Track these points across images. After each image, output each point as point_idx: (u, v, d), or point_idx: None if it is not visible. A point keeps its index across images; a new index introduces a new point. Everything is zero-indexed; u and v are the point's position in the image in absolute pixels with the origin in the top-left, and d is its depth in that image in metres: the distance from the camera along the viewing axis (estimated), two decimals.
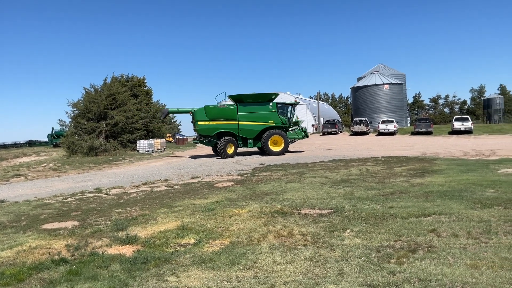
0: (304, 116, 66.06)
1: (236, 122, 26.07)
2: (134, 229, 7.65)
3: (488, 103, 67.82)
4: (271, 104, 26.36)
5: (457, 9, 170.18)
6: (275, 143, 25.90)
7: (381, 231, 6.55)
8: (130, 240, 6.88)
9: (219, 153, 25.77)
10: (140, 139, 35.92)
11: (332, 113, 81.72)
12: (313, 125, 66.18)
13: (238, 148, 26.69)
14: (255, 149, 27.57)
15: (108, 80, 39.58)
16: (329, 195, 9.99)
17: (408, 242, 5.88)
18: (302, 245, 6.06)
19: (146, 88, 44.88)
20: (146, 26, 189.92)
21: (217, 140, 26.08)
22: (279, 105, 26.78)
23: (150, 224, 8.02)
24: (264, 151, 26.26)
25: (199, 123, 26.10)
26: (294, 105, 28.21)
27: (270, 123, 26.09)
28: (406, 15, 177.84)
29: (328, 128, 51.92)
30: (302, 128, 28.18)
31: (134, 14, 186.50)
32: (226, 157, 25.30)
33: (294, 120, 27.61)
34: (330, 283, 4.60)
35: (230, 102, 27.70)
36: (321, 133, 52.81)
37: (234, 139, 26.00)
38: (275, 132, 25.83)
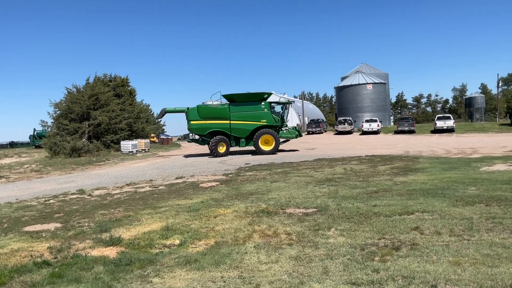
0: (289, 115, 66.13)
1: (228, 122, 26.26)
2: (117, 231, 7.58)
3: (469, 102, 68.98)
4: (263, 103, 26.31)
5: (439, 9, 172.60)
6: (267, 142, 25.94)
7: (365, 229, 6.60)
8: (114, 242, 6.81)
9: (210, 151, 26.12)
10: (123, 139, 35.63)
11: (316, 113, 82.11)
12: (297, 125, 66.34)
13: (233, 147, 27.01)
14: (251, 148, 27.42)
15: (91, 80, 39.23)
16: (314, 194, 10.03)
17: (391, 240, 5.93)
18: (287, 244, 6.08)
19: (129, 88, 44.59)
20: (130, 25, 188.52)
21: (210, 139, 26.32)
22: (272, 104, 26.91)
23: (134, 225, 7.95)
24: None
25: (192, 122, 26.55)
26: (287, 104, 28.32)
27: (262, 122, 26.12)
28: (389, 15, 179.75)
29: (312, 127, 52.18)
30: (295, 127, 28.40)
31: (118, 13, 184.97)
32: (218, 156, 25.58)
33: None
34: (315, 281, 4.61)
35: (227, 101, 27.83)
36: (306, 133, 53.04)
37: (226, 138, 26.25)
38: (265, 132, 25.87)
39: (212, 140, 25.99)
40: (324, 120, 71.69)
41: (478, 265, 4.77)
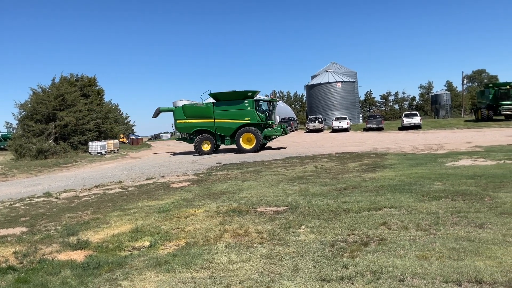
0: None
1: (213, 120, 26.56)
2: (85, 234, 7.43)
3: (435, 99, 70.78)
4: (246, 101, 26.20)
5: (405, 9, 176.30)
6: (249, 141, 25.87)
7: (335, 225, 6.68)
8: (82, 245, 6.68)
9: (194, 150, 26.69)
10: (92, 140, 34.90)
11: (287, 111, 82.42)
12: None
13: (222, 145, 27.39)
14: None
15: (57, 80, 38.25)
16: (285, 192, 10.09)
17: (360, 236, 6.03)
18: (258, 243, 6.09)
19: (97, 88, 43.72)
20: (98, 23, 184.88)
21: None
22: (259, 103, 26.90)
23: (102, 228, 7.81)
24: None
25: (178, 121, 27.22)
26: (273, 102, 28.18)
27: (246, 120, 26.05)
28: (357, 15, 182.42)
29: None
30: (281, 125, 27.97)
31: (85, 12, 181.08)
32: (202, 154, 26.16)
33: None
34: (285, 279, 4.64)
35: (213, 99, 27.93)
36: None
37: (211, 137, 26.59)
38: (246, 130, 25.82)
39: (196, 138, 26.54)
40: (295, 118, 72.16)
41: (444, 258, 4.90)
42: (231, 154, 25.03)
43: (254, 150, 25.68)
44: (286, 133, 27.79)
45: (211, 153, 26.28)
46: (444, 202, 7.78)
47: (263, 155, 23.02)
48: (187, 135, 28.15)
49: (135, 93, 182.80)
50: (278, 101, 29.91)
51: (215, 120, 26.54)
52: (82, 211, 9.81)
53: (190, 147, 29.41)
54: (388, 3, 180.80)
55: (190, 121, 26.93)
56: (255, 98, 26.96)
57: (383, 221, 6.70)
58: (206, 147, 26.49)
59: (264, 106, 27.36)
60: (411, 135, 34.90)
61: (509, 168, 11.27)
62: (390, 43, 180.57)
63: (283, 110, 79.46)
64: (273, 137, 27.51)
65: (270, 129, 26.89)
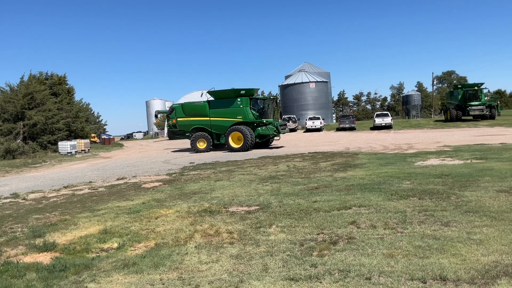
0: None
1: (208, 118, 26.67)
2: (52, 235, 7.27)
3: (406, 99, 72.27)
4: (239, 99, 25.86)
5: (377, 11, 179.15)
6: (240, 140, 25.50)
7: (305, 225, 6.73)
8: (48, 247, 6.52)
9: (191, 147, 27.03)
10: (61, 140, 34.17)
11: None
12: None
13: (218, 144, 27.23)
14: None
15: (25, 78, 37.28)
16: (257, 192, 10.10)
17: (329, 235, 6.09)
18: (229, 243, 6.08)
19: (67, 86, 42.82)
20: (69, 20, 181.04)
21: None
22: (258, 101, 26.60)
23: (70, 230, 7.65)
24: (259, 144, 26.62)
25: (179, 119, 27.77)
26: (269, 99, 27.67)
27: (238, 119, 25.80)
28: (330, 15, 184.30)
29: None
30: (274, 123, 26.67)
31: (57, 9, 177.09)
32: (197, 152, 26.40)
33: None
34: (254, 279, 4.64)
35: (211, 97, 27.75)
36: None
37: (207, 135, 26.70)
38: (235, 129, 25.53)
39: (192, 135, 26.89)
40: None
41: (410, 256, 4.99)
42: (221, 153, 24.94)
43: (243, 149, 25.20)
44: (279, 133, 26.81)
45: (207, 151, 26.28)
46: (412, 200, 7.94)
47: (236, 155, 22.98)
48: (188, 133, 28.11)
49: (107, 91, 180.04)
50: (277, 98, 28.98)
51: (211, 118, 26.59)
52: (50, 212, 9.59)
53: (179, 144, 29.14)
54: (360, 5, 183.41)
55: (188, 119, 27.32)
56: (255, 96, 26.47)
57: (352, 220, 6.79)
58: (202, 145, 26.68)
59: (261, 104, 26.96)
60: (382, 135, 35.47)
61: (476, 168, 11.57)
62: (362, 44, 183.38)
63: None
64: (271, 136, 26.71)
65: (263, 128, 26.12)
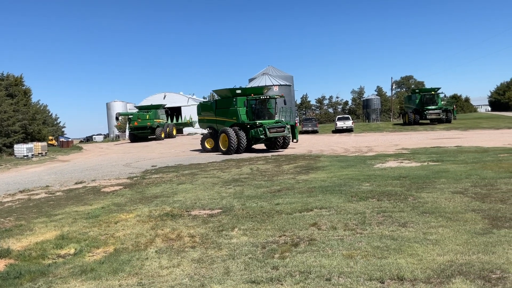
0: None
1: (215, 118, 26.44)
2: (7, 242, 7.00)
3: (367, 103, 73.82)
4: (234, 99, 24.75)
5: (338, 17, 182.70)
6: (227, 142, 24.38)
7: (267, 227, 6.76)
8: (2, 254, 6.29)
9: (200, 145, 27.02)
10: (17, 143, 32.89)
11: None
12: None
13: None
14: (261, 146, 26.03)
15: None
16: (219, 195, 10.06)
17: (291, 237, 6.14)
18: (190, 247, 6.02)
19: (24, 87, 41.27)
20: (26, 19, 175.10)
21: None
22: (255, 101, 24.65)
23: (25, 235, 7.38)
24: (268, 147, 25.52)
25: (198, 117, 28.46)
26: (272, 99, 25.43)
27: (233, 120, 24.73)
28: (292, 20, 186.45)
29: None
30: (263, 125, 23.78)
31: (12, 4, 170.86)
32: (207, 152, 26.06)
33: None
34: (215, 283, 4.62)
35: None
36: None
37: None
38: (223, 131, 24.47)
39: (202, 135, 27.07)
40: None
41: (369, 257, 5.10)
42: (151, 160, 24.62)
43: (227, 152, 23.77)
44: (266, 136, 23.74)
45: (215, 151, 25.32)
46: (371, 202, 8.11)
47: (199, 157, 22.80)
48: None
49: (66, 93, 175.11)
50: (279, 97, 26.16)
51: (216, 118, 26.23)
52: (5, 217, 9.22)
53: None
54: (323, 11, 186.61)
55: (203, 117, 27.59)
56: (253, 96, 24.48)
57: (313, 221, 6.87)
58: (210, 144, 26.51)
59: (260, 105, 25.04)
60: (343, 138, 36.07)
61: (432, 170, 11.96)
62: (324, 49, 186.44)
63: None
64: (263, 137, 23.84)
65: (254, 130, 23.93)
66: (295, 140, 26.46)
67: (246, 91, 25.16)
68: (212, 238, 6.39)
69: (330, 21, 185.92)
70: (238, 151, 23.83)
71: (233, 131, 23.84)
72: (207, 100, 29.29)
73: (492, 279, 4.24)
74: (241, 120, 24.49)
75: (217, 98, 27.26)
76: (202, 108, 27.84)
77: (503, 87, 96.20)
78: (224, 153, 24.03)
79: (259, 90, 25.95)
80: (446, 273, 4.47)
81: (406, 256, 5.05)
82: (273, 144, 25.39)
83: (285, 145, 25.54)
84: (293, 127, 26.12)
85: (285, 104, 26.24)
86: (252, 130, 24.19)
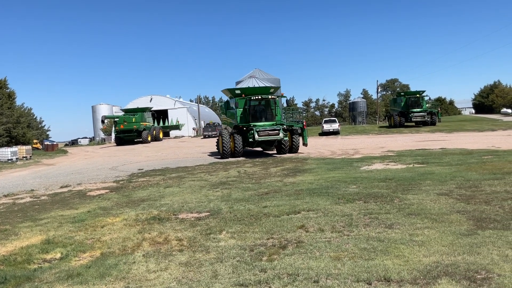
0: (185, 119, 65.70)
1: (226, 119, 26.41)
2: None
3: (353, 106, 74.35)
4: (234, 100, 23.81)
5: (325, 20, 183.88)
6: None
7: (255, 230, 6.76)
8: None
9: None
10: (1, 146, 32.54)
11: (212, 116, 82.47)
12: (194, 128, 66.10)
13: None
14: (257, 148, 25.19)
15: None
16: (207, 198, 10.04)
17: (279, 239, 6.15)
18: (178, 251, 6.00)
19: (8, 90, 40.78)
20: (9, 20, 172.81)
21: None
22: (251, 102, 23.15)
23: (10, 240, 7.28)
24: (278, 150, 23.24)
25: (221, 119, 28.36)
26: (272, 99, 23.68)
27: (234, 122, 23.86)
28: (280, 23, 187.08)
29: (209, 131, 52.20)
30: (254, 128, 22.02)
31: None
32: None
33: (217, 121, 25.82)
34: (204, 286, 4.61)
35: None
36: (202, 136, 52.95)
37: None
38: (219, 133, 24.10)
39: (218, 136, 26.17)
40: (220, 124, 72.25)
41: (356, 258, 5.13)
42: (137, 163, 24.47)
43: (221, 156, 22.89)
44: (254, 140, 22.06)
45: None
46: (358, 204, 8.17)
47: (186, 160, 22.72)
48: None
49: (50, 96, 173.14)
50: (280, 97, 25.37)
51: (227, 120, 26.05)
52: None
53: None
54: (309, 15, 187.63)
55: (224, 117, 27.32)
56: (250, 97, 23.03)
57: (301, 224, 6.89)
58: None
59: (258, 105, 23.58)
60: (330, 140, 36.26)
61: (418, 172, 12.08)
62: (311, 52, 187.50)
63: (207, 115, 79.40)
64: (251, 141, 22.36)
65: (250, 133, 22.31)
66: (304, 144, 24.01)
67: (246, 92, 23.69)
68: (199, 242, 6.37)
69: (317, 25, 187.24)
70: (234, 155, 22.48)
71: (227, 134, 22.84)
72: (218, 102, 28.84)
73: (477, 279, 4.31)
74: (237, 122, 23.34)
75: (227, 99, 26.17)
76: (226, 107, 26.49)
77: (486, 90, 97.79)
78: (222, 156, 22.87)
79: (260, 90, 24.35)
80: (432, 274, 4.52)
81: (393, 257, 5.09)
82: (279, 148, 23.18)
83: (292, 149, 23.07)
84: (301, 130, 23.69)
85: (287, 104, 25.91)
86: (248, 133, 22.55)
